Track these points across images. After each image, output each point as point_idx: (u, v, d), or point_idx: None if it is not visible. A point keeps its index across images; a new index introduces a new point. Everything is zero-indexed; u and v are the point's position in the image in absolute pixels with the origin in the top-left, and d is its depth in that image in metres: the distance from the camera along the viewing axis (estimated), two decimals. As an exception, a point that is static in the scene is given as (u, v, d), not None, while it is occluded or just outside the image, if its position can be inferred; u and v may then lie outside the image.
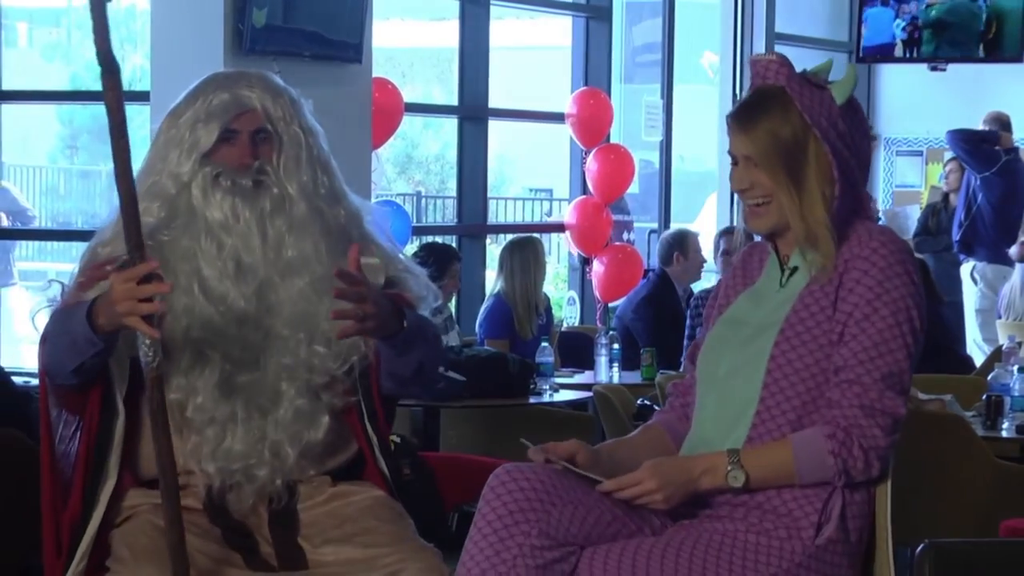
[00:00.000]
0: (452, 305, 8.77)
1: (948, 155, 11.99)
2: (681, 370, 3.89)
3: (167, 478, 3.40)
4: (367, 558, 3.56)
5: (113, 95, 3.37)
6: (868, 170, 3.63)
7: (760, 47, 12.09)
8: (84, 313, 3.40)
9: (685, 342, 8.09)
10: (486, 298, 8.74)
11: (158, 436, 3.40)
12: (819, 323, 3.47)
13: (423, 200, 16.91)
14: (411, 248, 9.19)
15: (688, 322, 8.46)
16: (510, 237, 9.11)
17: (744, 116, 3.55)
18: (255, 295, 3.59)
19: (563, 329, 9.45)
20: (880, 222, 11.62)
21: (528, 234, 9.17)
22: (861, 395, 3.40)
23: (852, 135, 3.52)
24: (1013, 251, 9.48)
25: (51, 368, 3.58)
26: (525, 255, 8.48)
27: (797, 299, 3.50)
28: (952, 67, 11.98)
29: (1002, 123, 11.13)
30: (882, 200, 13.32)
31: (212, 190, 3.61)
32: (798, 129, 3.48)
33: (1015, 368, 7.11)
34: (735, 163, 3.59)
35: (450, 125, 10.76)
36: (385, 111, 8.27)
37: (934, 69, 12.02)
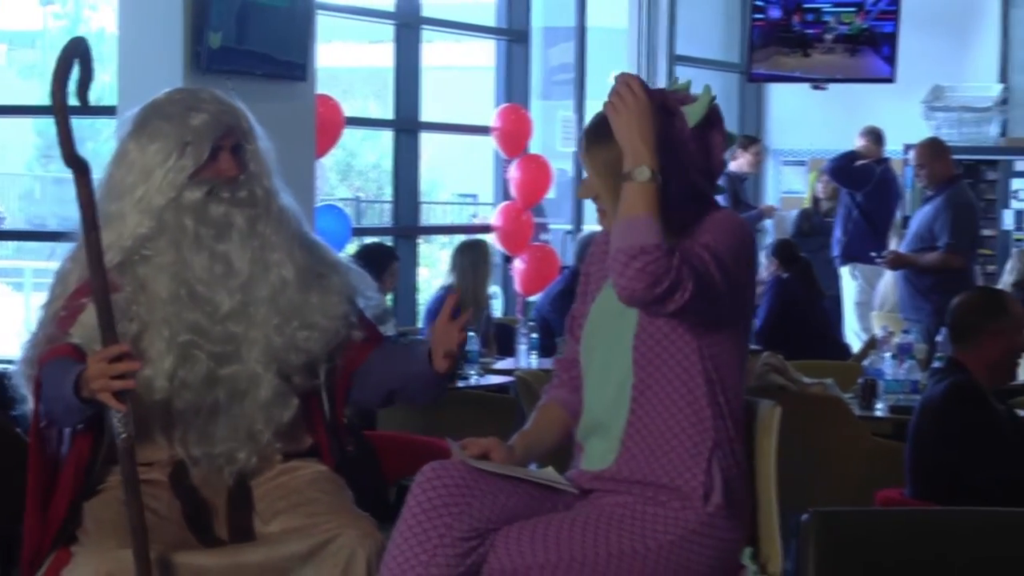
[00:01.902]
0: (389, 299, 8.77)
1: (821, 167, 12.08)
2: (564, 344, 3.86)
3: (138, 538, 3.37)
4: (307, 526, 3.56)
5: (84, 192, 3.36)
6: (716, 178, 3.56)
7: (662, 68, 12.14)
8: (72, 387, 3.38)
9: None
10: (437, 290, 8.74)
11: (130, 501, 3.38)
12: None
13: (362, 204, 16.87)
14: (352, 248, 9.18)
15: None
16: (457, 238, 9.13)
17: (590, 136, 3.54)
18: (240, 290, 3.58)
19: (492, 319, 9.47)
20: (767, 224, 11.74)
21: (478, 237, 9.21)
22: (691, 255, 3.32)
23: (705, 153, 3.48)
24: (882, 260, 9.54)
25: (52, 420, 3.56)
26: (475, 255, 8.53)
27: None
28: (832, 86, 12.07)
29: (875, 135, 11.21)
30: (777, 204, 13.40)
31: (207, 203, 3.59)
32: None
33: (888, 355, 7.17)
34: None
35: (386, 137, 10.73)
36: (328, 124, 8.25)
37: (816, 88, 12.11)
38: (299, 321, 3.63)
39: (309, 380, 3.71)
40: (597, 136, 3.52)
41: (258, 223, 3.63)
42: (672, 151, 3.41)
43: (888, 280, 10.13)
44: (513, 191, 10.28)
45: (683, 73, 12.39)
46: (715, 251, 3.37)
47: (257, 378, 3.59)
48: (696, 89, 3.54)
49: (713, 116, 3.51)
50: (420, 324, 8.74)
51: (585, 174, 3.59)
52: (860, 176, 10.95)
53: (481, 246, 8.68)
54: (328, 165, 9.40)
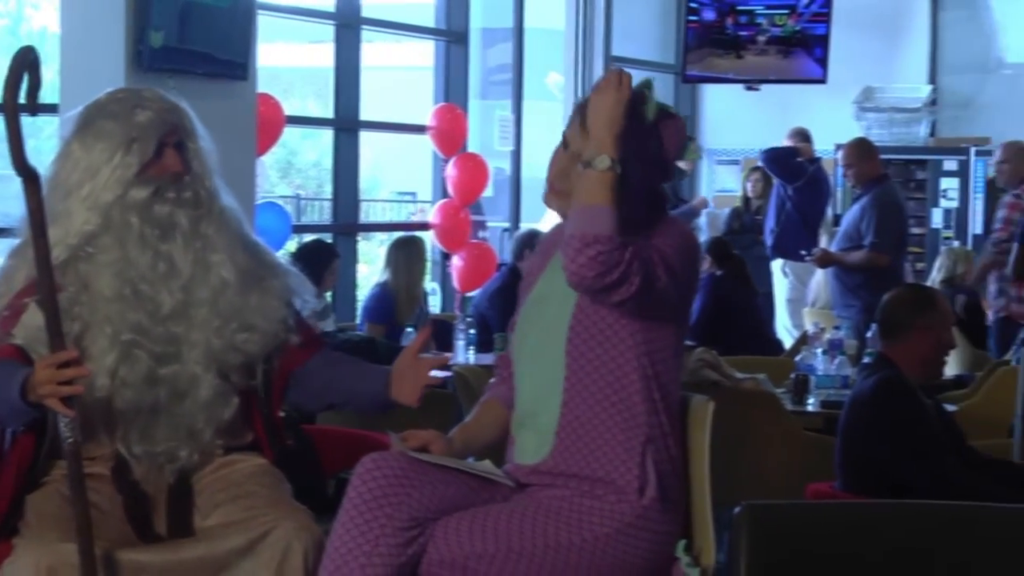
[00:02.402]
0: (329, 295, 8.76)
1: (752, 165, 12.14)
2: (503, 340, 3.88)
3: (83, 538, 3.35)
4: (245, 519, 3.55)
5: (34, 199, 3.34)
6: (670, 173, 3.62)
7: (598, 68, 12.16)
8: (18, 391, 3.36)
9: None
10: (372, 286, 8.73)
11: (76, 501, 3.37)
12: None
13: (302, 202, 16.83)
14: (292, 245, 9.17)
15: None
16: (396, 235, 9.13)
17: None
18: (181, 290, 3.57)
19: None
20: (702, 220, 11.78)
21: (412, 233, 9.20)
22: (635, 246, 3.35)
23: (660, 147, 3.54)
24: (811, 258, 9.60)
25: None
26: (410, 252, 8.53)
27: None
28: (765, 87, 12.13)
29: (803, 136, 11.28)
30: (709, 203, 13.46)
31: (152, 202, 3.57)
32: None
33: (819, 350, 7.22)
34: (566, 146, 3.58)
35: (326, 135, 10.71)
36: (268, 123, 8.23)
37: (749, 89, 12.16)
38: (238, 323, 3.63)
39: (246, 380, 3.71)
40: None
41: (201, 224, 3.62)
42: (635, 146, 3.46)
43: (820, 277, 10.19)
44: (451, 189, 10.28)
45: (619, 74, 12.41)
46: (664, 254, 3.41)
47: (197, 379, 3.58)
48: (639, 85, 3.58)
49: (666, 115, 3.56)
50: (358, 320, 8.72)
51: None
52: (793, 170, 11.01)
53: (416, 243, 8.68)
54: (269, 163, 9.35)
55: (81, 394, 3.36)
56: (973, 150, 12.50)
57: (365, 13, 10.29)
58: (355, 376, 3.81)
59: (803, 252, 9.94)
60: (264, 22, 8.23)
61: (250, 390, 3.72)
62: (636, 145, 3.46)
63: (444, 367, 7.23)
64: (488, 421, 3.73)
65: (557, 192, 3.59)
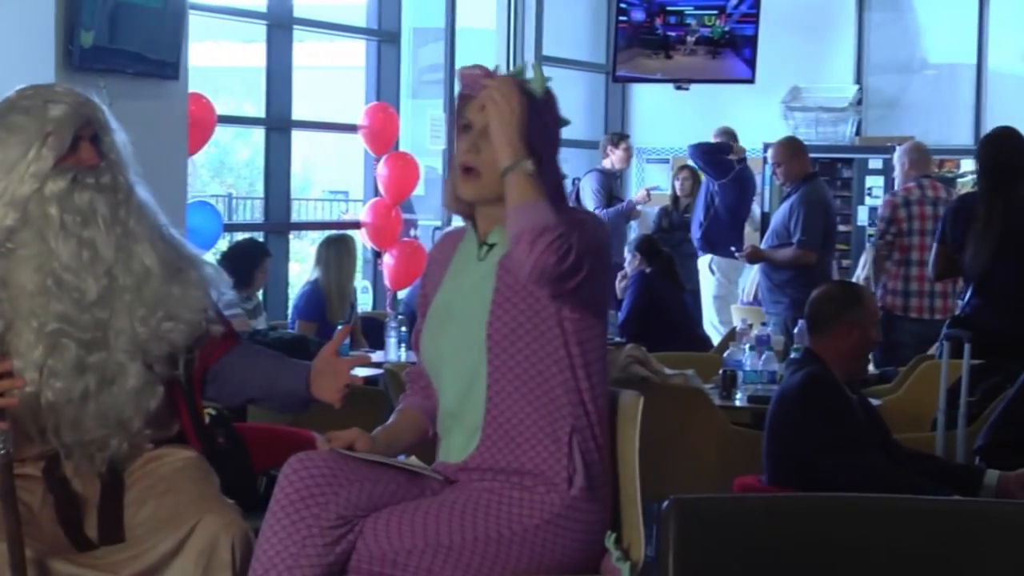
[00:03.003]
0: (260, 294, 8.72)
1: (680, 164, 12.18)
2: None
3: (14, 555, 3.32)
4: (173, 516, 3.53)
5: None
6: (555, 154, 3.59)
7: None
8: None
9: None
10: (303, 284, 8.70)
11: (7, 515, 3.34)
12: (517, 292, 3.45)
13: (234, 201, 16.73)
14: (224, 243, 9.13)
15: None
16: (327, 233, 9.10)
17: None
18: (106, 275, 3.54)
19: (359, 314, 9.45)
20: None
21: (343, 232, 9.18)
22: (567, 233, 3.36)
23: (548, 125, 3.53)
24: (741, 255, 9.65)
25: None
26: (340, 250, 8.52)
27: (499, 269, 3.48)
28: (694, 87, 12.18)
29: (730, 135, 11.33)
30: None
31: (71, 191, 3.55)
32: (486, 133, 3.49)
33: (747, 346, 7.25)
34: (468, 128, 3.57)
35: (258, 134, 10.66)
36: (200, 122, 8.18)
37: (679, 88, 12.20)
38: (164, 312, 3.61)
39: (170, 370, 3.69)
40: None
41: (120, 211, 3.60)
42: (542, 137, 3.47)
43: (753, 274, 10.24)
44: (382, 188, 10.26)
45: (550, 73, 12.39)
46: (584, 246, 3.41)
47: (124, 368, 3.56)
48: (548, 83, 3.60)
49: (549, 92, 3.56)
50: (290, 318, 8.69)
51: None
52: (720, 165, 11.06)
53: (345, 241, 8.67)
54: (201, 162, 9.32)
55: (16, 406, 3.33)
56: (898, 149, 12.59)
57: (297, 13, 10.26)
58: (275, 371, 3.79)
59: (733, 248, 9.98)
60: (196, 22, 8.18)
61: (174, 380, 3.71)
62: (538, 122, 3.47)
63: (373, 365, 7.28)
64: (408, 424, 3.72)
65: (469, 173, 3.56)
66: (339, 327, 7.86)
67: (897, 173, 9.41)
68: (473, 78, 3.56)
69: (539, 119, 3.49)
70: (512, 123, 3.41)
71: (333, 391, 3.69)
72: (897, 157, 9.32)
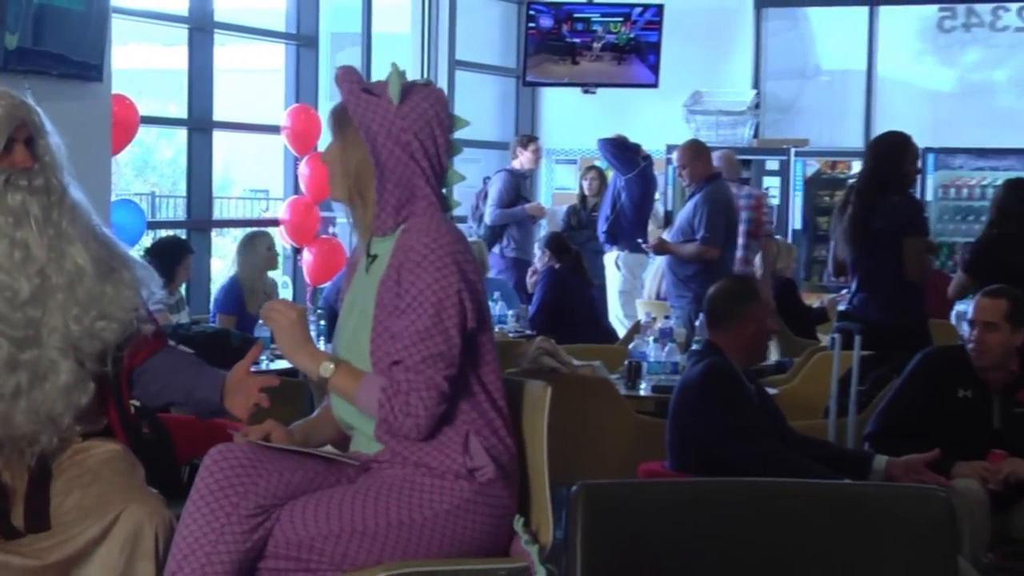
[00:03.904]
0: (183, 289, 8.66)
1: (588, 165, 12.21)
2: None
3: None
4: (99, 504, 3.50)
5: None
6: (440, 160, 3.52)
7: (443, 72, 12.15)
8: None
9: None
10: (225, 279, 8.65)
11: None
12: (395, 307, 3.44)
13: (157, 199, 16.61)
14: (147, 240, 9.05)
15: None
16: (245, 231, 9.05)
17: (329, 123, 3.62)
18: (38, 275, 3.50)
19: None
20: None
21: (261, 228, 9.13)
22: (406, 372, 3.38)
23: (415, 128, 3.47)
24: (648, 245, 9.71)
25: None
26: (257, 246, 8.47)
27: (379, 285, 3.47)
28: (601, 91, 12.21)
29: (624, 141, 11.43)
30: (545, 199, 13.50)
31: (3, 192, 3.50)
32: (354, 140, 3.51)
33: (651, 339, 7.28)
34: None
35: (181, 135, 10.57)
36: (123, 123, 8.12)
37: (586, 92, 12.22)
38: (97, 311, 3.58)
39: (100, 367, 3.66)
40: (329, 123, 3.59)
41: (53, 212, 3.56)
42: (381, 130, 3.44)
43: (653, 270, 10.28)
44: (303, 187, 10.22)
45: (463, 77, 12.43)
46: (434, 305, 3.39)
47: (56, 364, 3.53)
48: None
49: (415, 90, 3.50)
50: (211, 313, 8.64)
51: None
52: (627, 160, 11.10)
53: (263, 237, 8.64)
54: (125, 161, 9.23)
55: None
56: (793, 151, 12.70)
57: (218, 17, 10.18)
58: (193, 379, 3.79)
59: (640, 240, 10.04)
60: (119, 25, 8.11)
61: (103, 376, 3.67)
62: (388, 128, 3.45)
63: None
64: (327, 420, 3.72)
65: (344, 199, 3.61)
66: (260, 321, 7.83)
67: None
68: (338, 82, 3.54)
69: (387, 132, 3.46)
70: (295, 341, 3.47)
71: (243, 408, 3.70)
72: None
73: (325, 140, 11.82)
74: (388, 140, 3.45)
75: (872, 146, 7.03)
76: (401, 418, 3.36)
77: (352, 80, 3.51)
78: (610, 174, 11.45)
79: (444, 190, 3.58)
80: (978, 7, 12.84)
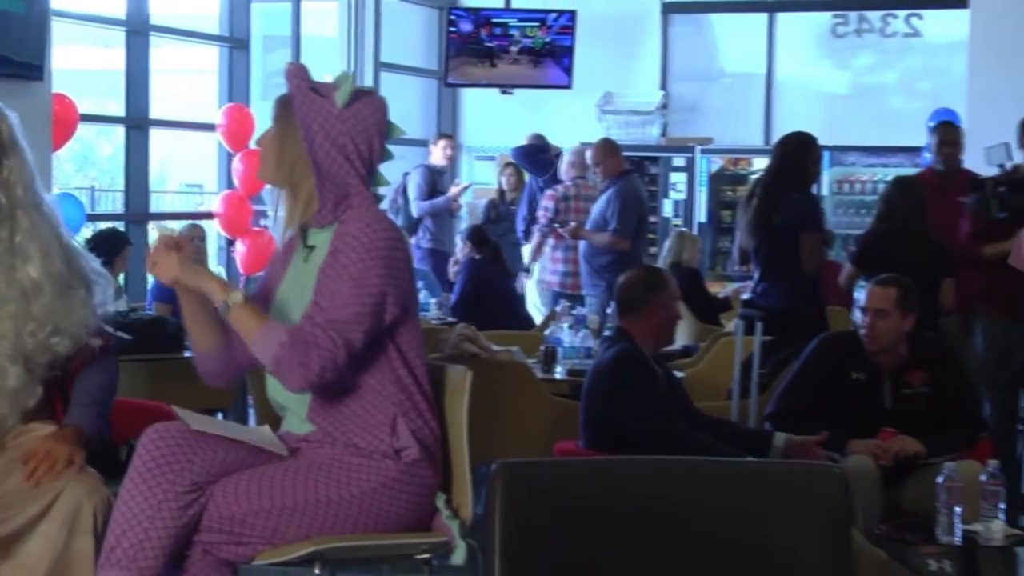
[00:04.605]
0: (121, 278, 8.58)
1: (506, 161, 12.20)
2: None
3: None
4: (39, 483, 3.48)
5: None
6: (372, 164, 3.51)
7: (369, 74, 12.10)
8: None
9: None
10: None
11: None
12: None
13: (96, 193, 16.44)
14: (87, 232, 8.96)
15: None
16: (181, 223, 8.98)
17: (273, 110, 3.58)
18: None
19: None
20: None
21: (194, 221, 9.07)
22: (314, 327, 3.32)
23: (353, 133, 3.44)
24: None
25: None
26: (191, 238, 8.41)
27: (319, 273, 3.44)
28: (518, 92, 12.20)
29: (540, 139, 11.44)
30: (466, 195, 13.47)
31: None
32: (294, 132, 3.47)
33: (566, 325, 7.30)
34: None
35: (119, 132, 10.47)
36: (63, 120, 8.06)
37: (504, 93, 12.21)
38: (52, 327, 3.55)
39: (49, 372, 3.63)
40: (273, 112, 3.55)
41: (3, 228, 3.52)
42: (321, 131, 3.42)
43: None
44: (237, 181, 10.16)
45: (387, 79, 12.38)
46: (354, 277, 3.36)
47: (5, 370, 3.51)
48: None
49: (361, 96, 3.48)
50: (147, 301, 8.57)
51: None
52: (540, 163, 11.12)
53: (196, 229, 8.60)
54: (66, 157, 9.14)
55: None
56: (698, 148, 12.75)
57: (154, 20, 10.08)
58: (76, 399, 3.73)
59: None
60: (59, 27, 8.02)
61: (51, 378, 3.65)
62: (327, 130, 3.42)
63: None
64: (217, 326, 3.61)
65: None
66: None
67: (563, 172, 9.99)
68: (286, 77, 3.52)
69: (326, 133, 3.43)
70: (187, 271, 3.41)
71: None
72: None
73: (259, 137, 11.69)
74: (326, 141, 3.43)
75: (780, 144, 7.07)
76: (294, 365, 3.29)
77: (301, 77, 3.48)
78: (527, 173, 11.47)
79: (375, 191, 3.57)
80: (869, 14, 12.95)
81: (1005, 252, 6.66)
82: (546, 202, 9.87)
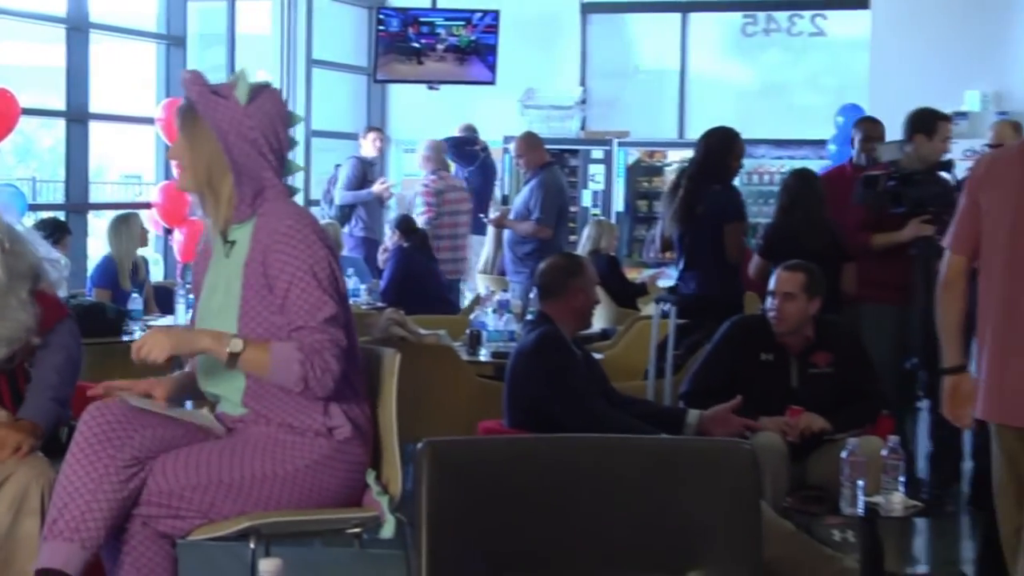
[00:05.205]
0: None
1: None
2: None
3: None
4: None
5: None
6: (283, 153, 3.49)
7: (302, 70, 12.04)
8: None
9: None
10: (100, 258, 8.49)
11: None
12: (264, 296, 3.38)
13: (38, 184, 16.23)
14: (28, 221, 8.83)
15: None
16: (116, 213, 8.89)
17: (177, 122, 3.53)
18: None
19: (152, 283, 9.25)
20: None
21: (131, 211, 8.98)
22: (313, 333, 3.33)
23: (261, 126, 3.42)
24: (489, 220, 9.74)
25: None
26: (129, 226, 8.33)
27: (244, 267, 3.42)
28: (444, 87, 12.17)
29: (471, 129, 11.40)
30: (398, 186, 13.43)
31: None
32: (203, 137, 3.44)
33: (490, 310, 7.29)
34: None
35: (60, 125, 10.35)
36: (5, 114, 7.98)
37: (431, 88, 12.18)
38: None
39: None
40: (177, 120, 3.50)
41: None
42: (232, 129, 3.39)
43: (488, 245, 10.25)
44: (175, 172, 10.05)
45: (319, 75, 12.31)
46: (312, 272, 3.35)
47: None
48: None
49: (260, 91, 3.45)
50: (87, 288, 8.49)
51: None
52: (467, 156, 11.11)
53: (132, 218, 8.51)
54: (8, 149, 9.01)
55: None
56: (616, 141, 12.79)
57: (93, 18, 9.98)
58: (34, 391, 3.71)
59: (481, 215, 10.07)
60: (2, 24, 7.91)
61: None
62: (237, 127, 3.40)
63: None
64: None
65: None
66: (133, 295, 7.71)
67: (420, 166, 10.10)
68: (185, 84, 3.47)
69: (237, 131, 3.40)
70: (185, 336, 3.38)
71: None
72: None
73: (170, 150, 11.64)
74: (238, 139, 3.40)
75: (705, 137, 7.08)
76: (320, 374, 3.30)
77: (200, 83, 3.44)
78: (454, 164, 11.44)
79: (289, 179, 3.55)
80: (777, 15, 13.04)
81: (894, 242, 6.72)
82: (426, 198, 9.84)
